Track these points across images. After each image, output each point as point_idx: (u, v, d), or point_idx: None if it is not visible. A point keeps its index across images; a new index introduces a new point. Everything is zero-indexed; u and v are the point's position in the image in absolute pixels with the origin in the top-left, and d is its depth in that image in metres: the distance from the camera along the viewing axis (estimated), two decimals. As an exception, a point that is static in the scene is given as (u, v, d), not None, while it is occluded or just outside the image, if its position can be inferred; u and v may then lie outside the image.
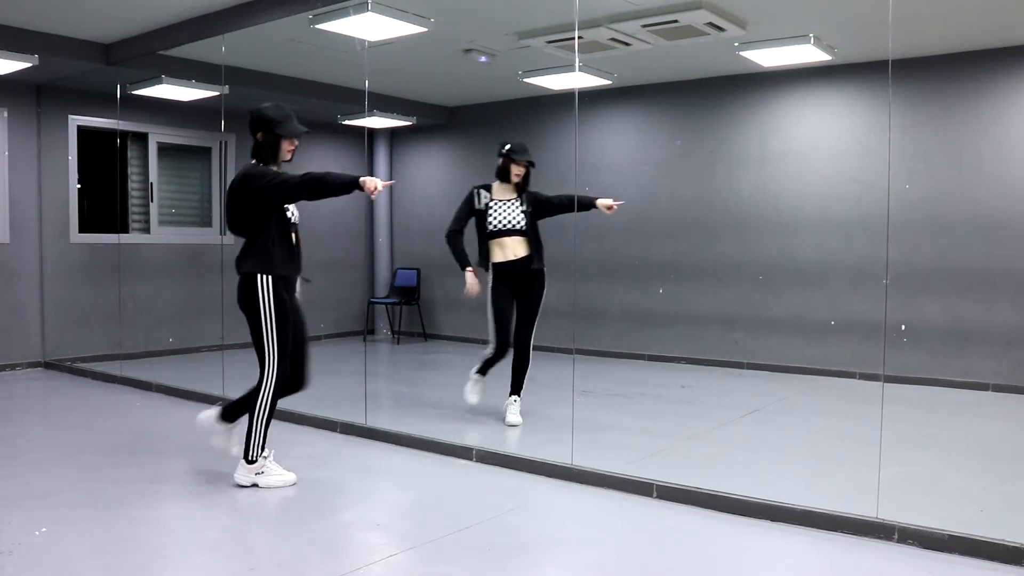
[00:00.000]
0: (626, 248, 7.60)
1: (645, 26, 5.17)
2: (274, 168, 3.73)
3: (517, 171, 4.71)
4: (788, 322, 6.72)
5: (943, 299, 6.18)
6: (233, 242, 9.40)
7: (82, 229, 7.31)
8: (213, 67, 6.13)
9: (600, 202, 4.71)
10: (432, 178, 9.24)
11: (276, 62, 6.72)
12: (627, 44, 5.57)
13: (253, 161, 3.73)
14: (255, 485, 3.66)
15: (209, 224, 8.24)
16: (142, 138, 7.61)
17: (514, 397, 4.85)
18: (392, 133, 9.40)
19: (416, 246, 9.35)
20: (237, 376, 5.97)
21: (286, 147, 3.76)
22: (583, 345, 7.71)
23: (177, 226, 7.95)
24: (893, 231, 5.98)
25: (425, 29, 5.21)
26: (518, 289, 4.78)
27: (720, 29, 5.23)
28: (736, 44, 5.67)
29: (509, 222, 4.69)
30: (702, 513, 3.39)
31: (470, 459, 4.17)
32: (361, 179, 3.46)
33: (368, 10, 4.78)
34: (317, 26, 5.07)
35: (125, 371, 6.48)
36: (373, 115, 7.94)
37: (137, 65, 6.22)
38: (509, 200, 4.74)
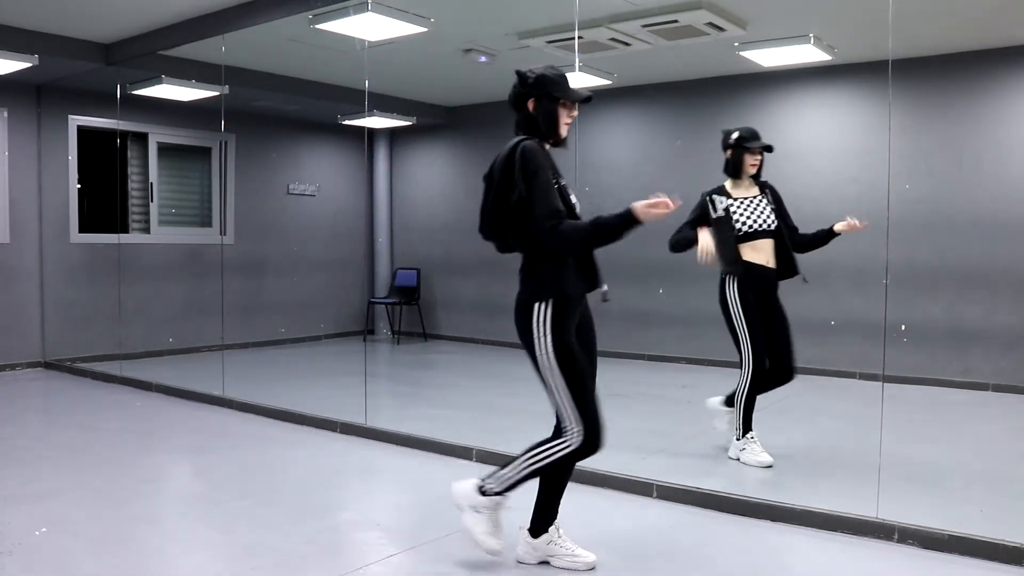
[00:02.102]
0: (626, 248, 7.56)
1: (645, 26, 5.17)
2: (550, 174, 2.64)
3: (752, 161, 4.01)
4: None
5: (943, 299, 6.18)
6: (234, 242, 9.37)
7: (82, 229, 7.31)
8: (213, 67, 6.13)
9: (839, 227, 4.00)
10: (432, 178, 9.23)
11: (276, 62, 6.72)
12: (627, 44, 5.57)
13: (524, 138, 2.67)
14: None
15: (209, 224, 8.24)
16: (142, 138, 7.61)
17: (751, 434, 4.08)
18: (392, 133, 9.40)
19: (416, 246, 9.35)
20: (237, 376, 5.98)
21: (564, 117, 2.74)
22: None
23: (177, 226, 7.95)
24: (893, 231, 5.97)
25: (425, 29, 5.21)
26: (770, 299, 4.08)
27: (720, 29, 5.23)
28: (736, 44, 5.67)
29: (762, 222, 3.96)
30: (702, 513, 3.39)
31: (470, 459, 4.16)
32: (633, 206, 2.51)
33: (368, 10, 4.77)
34: (317, 26, 5.06)
35: (125, 371, 6.48)
36: (373, 115, 7.94)
37: (137, 65, 6.22)
38: (753, 197, 4.03)
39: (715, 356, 7.13)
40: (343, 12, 4.87)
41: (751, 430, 4.06)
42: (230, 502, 3.51)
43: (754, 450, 4.01)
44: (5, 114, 6.80)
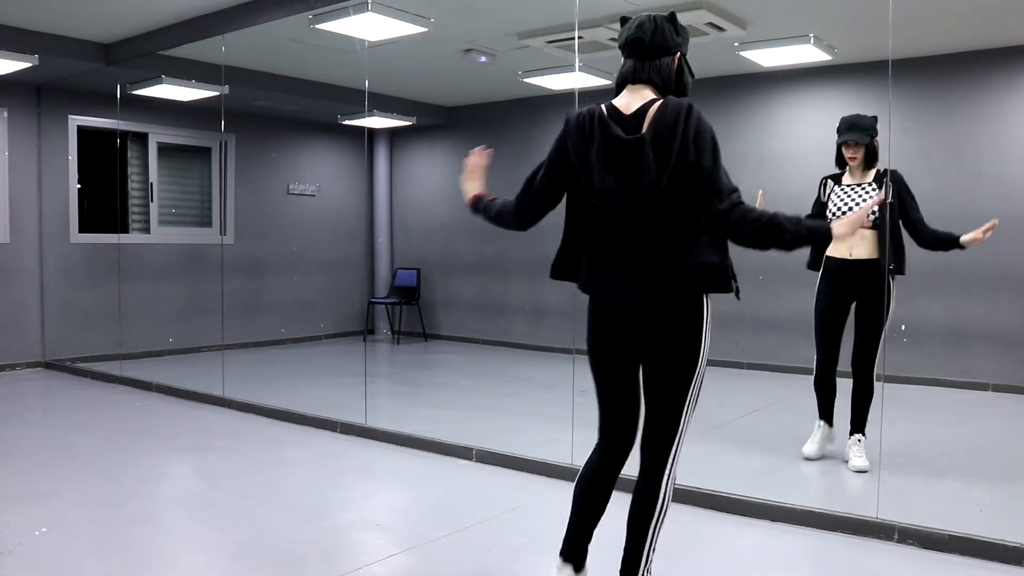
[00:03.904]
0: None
1: (645, 26, 5.17)
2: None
3: (849, 154, 3.84)
4: (788, 322, 6.72)
5: (943, 299, 6.18)
6: (234, 242, 9.37)
7: (82, 229, 7.30)
8: (213, 67, 6.13)
9: (966, 239, 3.86)
10: (432, 178, 9.23)
11: (276, 62, 6.72)
12: (627, 44, 5.57)
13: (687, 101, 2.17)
14: None
15: (209, 224, 8.24)
16: (142, 138, 7.61)
17: (857, 436, 3.96)
18: (392, 133, 9.40)
19: (416, 246, 9.35)
20: (237, 376, 5.98)
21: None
22: (583, 345, 7.70)
23: (177, 226, 7.95)
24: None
25: (425, 29, 5.21)
26: (853, 295, 3.95)
27: (720, 29, 5.23)
28: (736, 44, 5.67)
29: (852, 210, 3.78)
30: (702, 513, 3.39)
31: (470, 459, 4.16)
32: (832, 226, 2.25)
33: (368, 10, 4.77)
34: (317, 26, 5.06)
35: (125, 371, 6.48)
36: (373, 115, 7.94)
37: (137, 65, 6.22)
38: (859, 185, 3.87)
39: (715, 356, 7.13)
40: (343, 12, 4.87)
41: (822, 420, 4.14)
42: (230, 502, 3.51)
43: (812, 438, 4.14)
44: (5, 114, 6.80)
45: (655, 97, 2.18)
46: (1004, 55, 5.92)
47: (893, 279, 3.90)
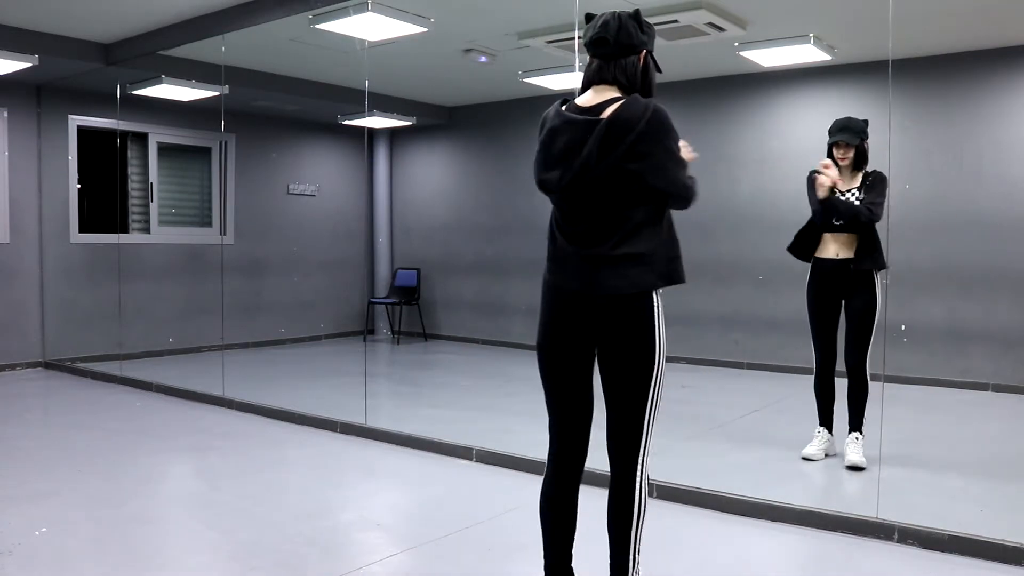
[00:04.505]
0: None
1: (645, 26, 5.17)
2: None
3: (838, 154, 3.96)
4: (788, 322, 6.71)
5: (943, 299, 6.18)
6: (234, 242, 9.39)
7: (82, 229, 7.31)
8: (213, 67, 6.13)
9: (821, 193, 3.92)
10: (432, 178, 9.23)
11: (276, 62, 6.72)
12: (627, 44, 5.57)
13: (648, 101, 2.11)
14: None
15: (209, 224, 8.24)
16: (142, 138, 7.61)
17: (855, 434, 4.01)
18: (392, 133, 9.40)
19: (416, 246, 9.35)
20: (237, 376, 5.98)
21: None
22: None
23: (177, 226, 7.95)
24: (893, 231, 5.97)
25: (425, 29, 5.21)
26: (840, 295, 4.04)
27: (720, 29, 5.23)
28: (736, 44, 5.67)
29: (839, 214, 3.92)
30: (702, 513, 3.39)
31: (470, 459, 4.17)
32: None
33: (368, 10, 4.77)
34: (317, 26, 5.06)
35: (125, 371, 6.48)
36: (373, 115, 7.94)
37: (137, 65, 6.22)
38: (850, 190, 3.96)
39: (715, 356, 7.14)
40: (343, 12, 4.87)
41: (822, 425, 4.16)
42: (230, 502, 3.51)
43: (812, 443, 4.16)
44: (5, 114, 6.80)
45: (619, 96, 2.13)
46: (1004, 55, 5.92)
47: (876, 275, 3.98)
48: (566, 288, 2.16)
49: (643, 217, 2.10)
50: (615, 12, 2.17)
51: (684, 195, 2.17)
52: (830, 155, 4.02)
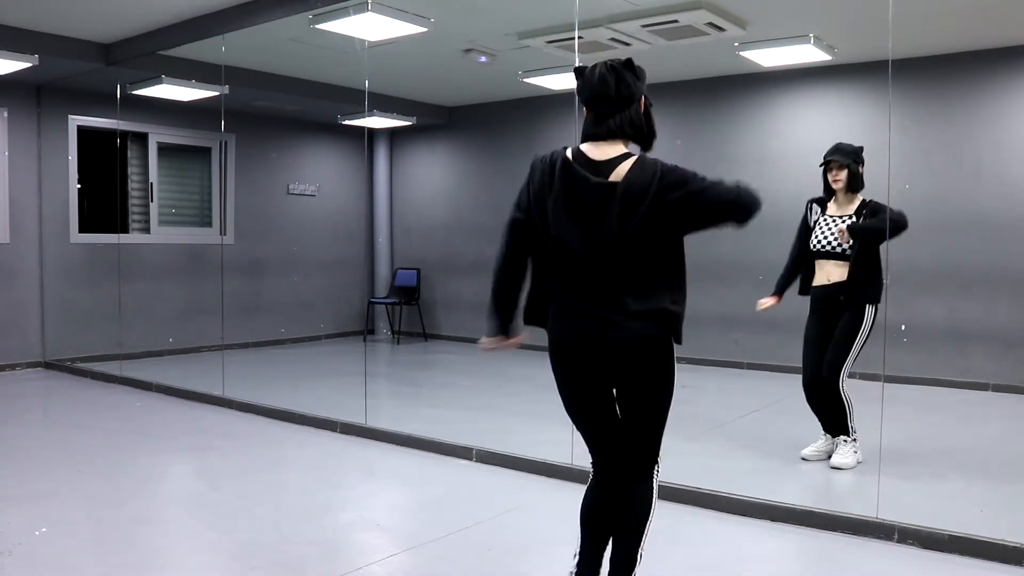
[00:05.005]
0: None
1: (645, 26, 5.17)
2: None
3: (831, 176, 3.98)
4: (788, 322, 6.70)
5: (943, 299, 6.18)
6: (234, 242, 9.39)
7: (82, 229, 7.31)
8: (213, 67, 6.13)
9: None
10: (432, 178, 9.23)
11: (276, 62, 6.72)
12: (627, 44, 5.57)
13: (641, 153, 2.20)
14: None
15: (209, 224, 8.24)
16: (142, 138, 7.61)
17: (842, 437, 4.05)
18: (392, 133, 9.40)
19: (416, 246, 9.35)
20: (237, 376, 5.98)
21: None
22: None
23: (177, 226, 7.95)
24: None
25: (425, 29, 5.21)
26: (833, 318, 4.05)
27: (720, 29, 5.23)
28: (736, 44, 5.67)
29: (832, 243, 3.96)
30: (702, 513, 3.39)
31: (470, 459, 4.17)
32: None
33: (368, 10, 4.77)
34: (317, 26, 5.06)
35: (125, 371, 6.48)
36: (373, 115, 7.94)
37: (137, 65, 6.22)
38: (840, 217, 3.98)
39: (715, 356, 7.14)
40: (343, 12, 4.87)
41: (826, 432, 4.16)
42: (230, 502, 3.51)
43: (814, 444, 4.20)
44: (5, 114, 6.80)
45: (628, 151, 2.15)
46: (1004, 55, 5.92)
47: (868, 306, 3.95)
48: (589, 339, 2.18)
49: (661, 273, 2.19)
50: (608, 63, 2.16)
51: (741, 202, 2.13)
52: (824, 180, 4.05)
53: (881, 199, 3.98)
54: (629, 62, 2.19)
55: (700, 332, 7.20)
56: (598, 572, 2.36)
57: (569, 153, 2.18)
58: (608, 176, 2.10)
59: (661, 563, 2.88)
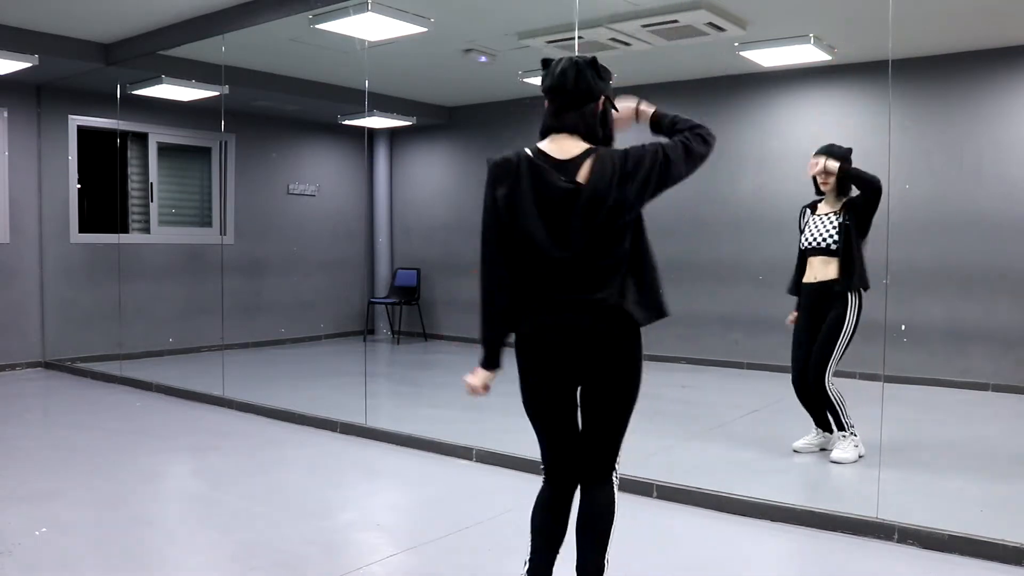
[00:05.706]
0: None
1: (645, 26, 5.17)
2: None
3: (820, 179, 4.08)
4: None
5: (943, 299, 6.18)
6: (234, 242, 9.38)
7: (82, 229, 7.31)
8: (213, 67, 6.13)
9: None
10: (432, 178, 9.23)
11: (276, 62, 6.72)
12: (627, 44, 5.57)
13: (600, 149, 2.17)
14: None
15: (209, 224, 8.24)
16: (142, 138, 7.61)
17: (839, 433, 4.11)
18: (392, 133, 9.40)
19: (416, 246, 9.35)
20: (237, 376, 5.98)
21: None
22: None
23: (177, 226, 7.95)
24: (893, 231, 5.97)
25: (425, 29, 5.21)
26: (820, 314, 4.10)
27: (720, 29, 5.23)
28: (736, 44, 5.67)
29: (817, 240, 4.06)
30: (702, 513, 3.39)
31: (470, 459, 4.17)
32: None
33: (368, 10, 4.77)
34: (317, 26, 5.06)
35: (125, 371, 6.48)
36: (373, 115, 7.94)
37: (137, 65, 6.22)
38: (828, 214, 4.09)
39: (715, 356, 7.14)
40: (343, 12, 4.87)
41: (817, 427, 4.28)
42: (230, 502, 3.51)
43: (806, 436, 4.32)
44: (5, 114, 6.80)
45: (589, 147, 2.13)
46: (1004, 55, 5.92)
47: (852, 294, 4.03)
48: (552, 328, 2.14)
49: (628, 259, 2.14)
50: (572, 59, 2.17)
51: (694, 150, 2.20)
52: (814, 180, 4.16)
53: (881, 199, 4.00)
54: (594, 60, 2.19)
55: (700, 332, 7.21)
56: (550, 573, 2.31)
57: (530, 152, 2.18)
58: (574, 175, 2.10)
59: (661, 563, 2.88)
